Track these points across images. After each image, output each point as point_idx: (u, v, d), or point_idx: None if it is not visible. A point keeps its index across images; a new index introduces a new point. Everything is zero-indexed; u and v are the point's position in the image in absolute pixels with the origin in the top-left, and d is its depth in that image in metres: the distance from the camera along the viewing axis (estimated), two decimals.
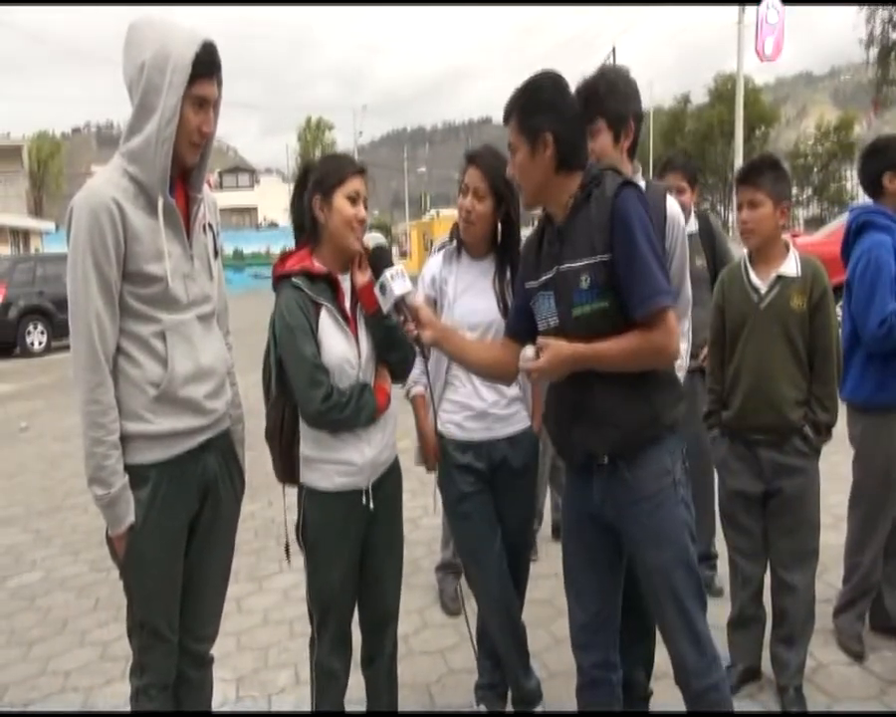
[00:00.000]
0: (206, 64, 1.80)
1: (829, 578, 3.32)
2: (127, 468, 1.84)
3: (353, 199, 2.07)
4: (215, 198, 2.13)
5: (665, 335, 1.77)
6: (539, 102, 1.86)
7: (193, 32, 1.81)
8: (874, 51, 15.24)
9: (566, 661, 2.85)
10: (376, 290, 2.03)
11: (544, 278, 1.93)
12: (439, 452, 2.42)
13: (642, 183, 2.37)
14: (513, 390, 2.39)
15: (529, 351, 1.85)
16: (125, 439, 1.83)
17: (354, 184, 2.07)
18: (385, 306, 2.01)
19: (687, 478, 1.93)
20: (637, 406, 1.84)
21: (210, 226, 2.02)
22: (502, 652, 2.49)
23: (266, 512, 4.35)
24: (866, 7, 15.12)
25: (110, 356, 1.81)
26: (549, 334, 1.88)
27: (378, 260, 2.05)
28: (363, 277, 2.11)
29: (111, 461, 1.80)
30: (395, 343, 2.15)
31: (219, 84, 1.88)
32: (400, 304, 1.99)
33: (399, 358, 2.19)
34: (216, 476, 2.00)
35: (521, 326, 2.03)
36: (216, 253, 2.04)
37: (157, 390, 1.84)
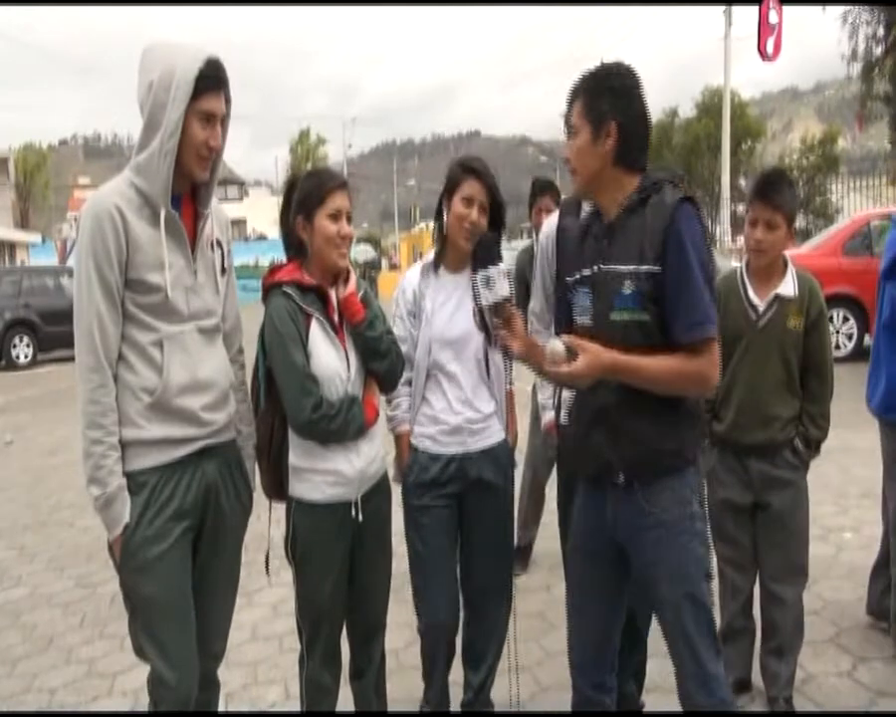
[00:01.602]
0: (211, 79, 1.83)
1: (818, 588, 3.33)
2: (125, 476, 1.84)
3: (336, 216, 2.07)
4: (227, 215, 2.14)
5: (710, 365, 1.73)
6: (608, 87, 1.81)
7: (199, 49, 1.84)
8: (857, 66, 15.47)
9: (558, 675, 2.85)
10: (479, 281, 1.91)
11: (581, 274, 1.87)
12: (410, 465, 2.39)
13: None
14: (489, 407, 2.39)
15: (558, 345, 1.72)
16: (122, 446, 1.84)
17: (336, 201, 2.07)
18: (485, 300, 1.91)
19: (705, 514, 1.86)
20: (662, 432, 1.78)
21: (219, 243, 2.03)
22: (429, 666, 2.46)
23: (255, 526, 4.32)
24: (849, 23, 15.35)
25: (112, 358, 1.83)
26: (581, 332, 1.81)
27: (486, 251, 1.94)
28: (347, 288, 2.12)
29: (108, 461, 1.80)
30: (380, 353, 2.15)
31: (227, 100, 1.91)
32: (500, 306, 1.90)
33: (387, 368, 2.18)
34: (217, 485, 1.98)
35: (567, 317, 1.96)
36: (224, 270, 2.04)
37: (151, 398, 1.85)
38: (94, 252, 1.79)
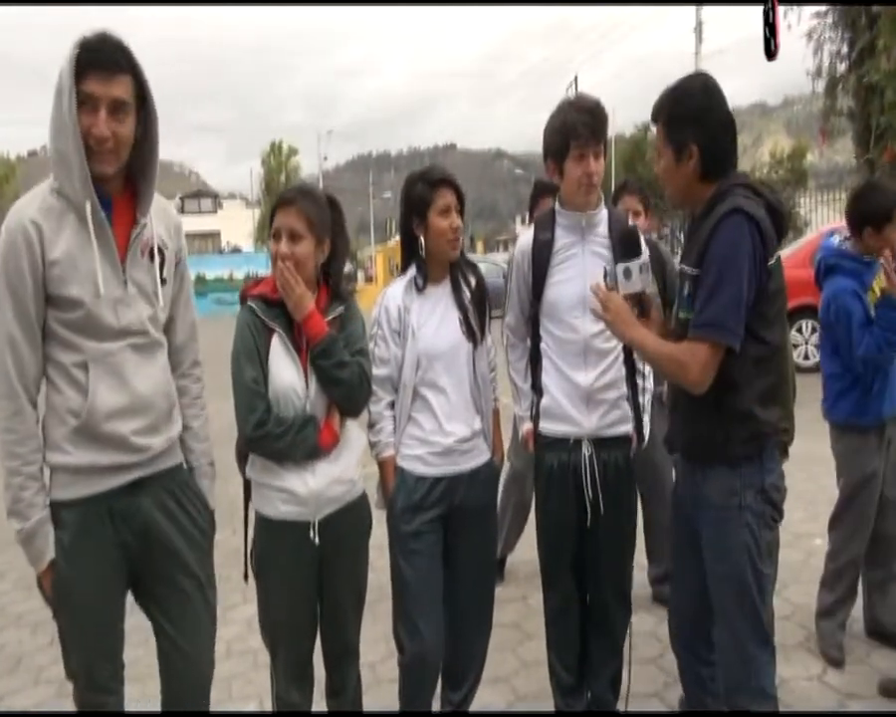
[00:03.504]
0: (92, 55, 1.66)
1: (788, 593, 3.39)
2: (51, 504, 1.78)
3: (276, 236, 2.04)
4: (179, 221, 2.03)
5: (695, 361, 1.84)
6: (686, 112, 1.91)
7: (87, 29, 1.70)
8: (822, 82, 15.83)
9: (534, 685, 2.86)
10: (620, 273, 2.05)
11: (677, 268, 2.12)
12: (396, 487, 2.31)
13: (604, 211, 2.42)
14: (477, 422, 2.36)
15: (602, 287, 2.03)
16: (51, 472, 1.78)
17: (278, 220, 2.04)
18: (623, 289, 2.05)
19: (764, 512, 1.92)
20: (708, 425, 1.92)
21: (160, 250, 1.88)
22: (411, 696, 2.39)
23: (230, 541, 4.26)
24: (814, 40, 15.72)
25: (30, 383, 1.75)
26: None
27: (629, 245, 2.06)
28: (306, 308, 2.03)
29: (27, 493, 1.74)
30: (333, 380, 2.06)
31: (137, 80, 1.74)
32: (636, 296, 2.07)
33: (342, 396, 2.09)
34: (157, 520, 1.88)
35: None
36: (164, 281, 1.90)
37: (77, 421, 1.76)
38: (5, 274, 1.70)
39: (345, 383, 2.07)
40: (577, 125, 2.25)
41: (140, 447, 1.84)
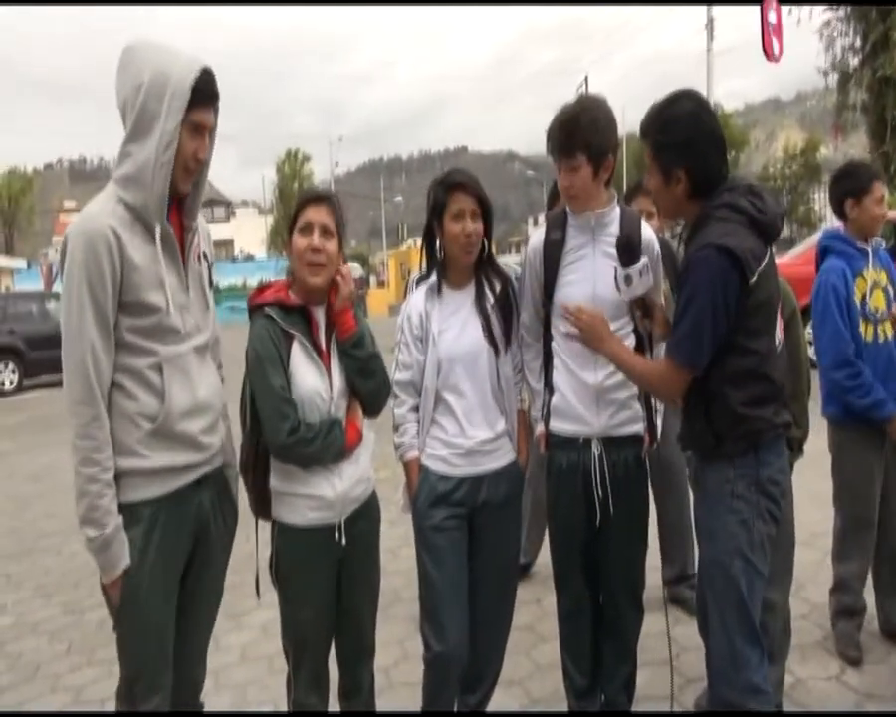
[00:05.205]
0: (205, 91, 1.77)
1: (805, 593, 3.35)
2: (121, 507, 1.77)
3: (306, 230, 2.03)
4: (209, 228, 2.10)
5: (661, 377, 2.00)
6: (673, 139, 1.92)
7: (193, 57, 1.78)
8: (835, 77, 15.69)
9: (548, 688, 2.85)
10: (621, 279, 2.09)
11: None
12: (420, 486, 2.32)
13: (617, 210, 2.40)
14: (500, 425, 2.36)
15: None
16: (119, 476, 1.77)
17: (307, 216, 2.04)
18: (625, 295, 2.12)
19: (758, 502, 1.94)
20: (700, 426, 1.99)
21: (205, 256, 1.99)
22: (431, 699, 2.37)
23: (243, 547, 4.28)
24: (826, 35, 15.58)
25: (105, 389, 1.75)
26: None
27: (627, 251, 2.11)
28: (340, 303, 2.08)
29: (104, 500, 1.73)
30: (368, 372, 2.11)
31: (216, 112, 1.86)
32: (638, 300, 2.14)
33: (373, 389, 2.14)
34: (209, 515, 1.95)
35: None
36: (210, 283, 2.01)
37: (154, 425, 1.79)
38: (87, 278, 1.68)
39: (377, 376, 2.13)
40: (550, 141, 2.28)
41: (207, 445, 1.92)
